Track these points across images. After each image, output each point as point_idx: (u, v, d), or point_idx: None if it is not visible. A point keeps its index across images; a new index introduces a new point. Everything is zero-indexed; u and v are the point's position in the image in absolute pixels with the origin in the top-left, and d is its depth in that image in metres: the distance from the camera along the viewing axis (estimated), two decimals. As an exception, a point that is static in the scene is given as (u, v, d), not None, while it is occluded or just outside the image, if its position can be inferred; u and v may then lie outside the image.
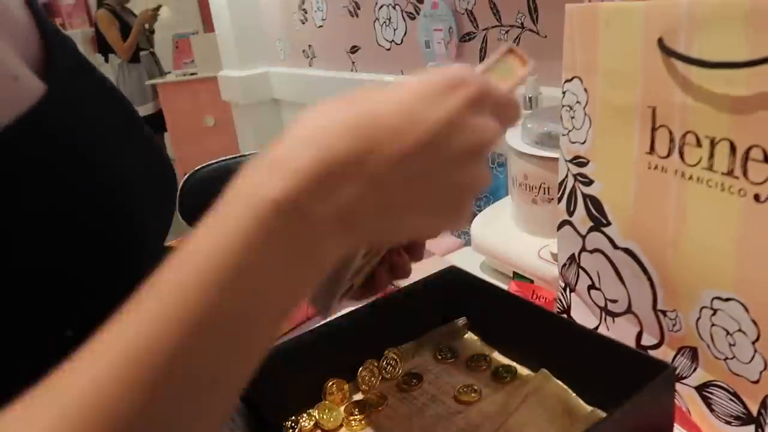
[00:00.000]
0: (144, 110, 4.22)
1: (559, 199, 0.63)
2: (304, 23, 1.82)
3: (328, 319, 0.60)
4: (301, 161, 0.25)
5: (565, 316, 0.65)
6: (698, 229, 0.46)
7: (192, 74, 3.86)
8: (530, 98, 0.97)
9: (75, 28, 5.18)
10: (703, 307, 0.47)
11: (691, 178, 0.45)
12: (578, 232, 0.60)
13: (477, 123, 0.28)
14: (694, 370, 0.50)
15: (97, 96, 0.40)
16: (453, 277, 0.66)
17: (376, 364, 0.61)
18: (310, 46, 1.84)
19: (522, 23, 1.07)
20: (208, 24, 4.29)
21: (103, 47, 4.24)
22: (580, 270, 0.62)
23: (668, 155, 0.47)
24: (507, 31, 1.11)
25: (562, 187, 0.62)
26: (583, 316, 0.63)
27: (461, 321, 0.66)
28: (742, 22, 0.39)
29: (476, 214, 0.90)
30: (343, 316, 0.63)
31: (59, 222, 0.31)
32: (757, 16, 0.38)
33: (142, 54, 4.12)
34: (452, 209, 0.29)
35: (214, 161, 1.61)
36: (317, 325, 0.61)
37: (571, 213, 0.61)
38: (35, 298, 0.30)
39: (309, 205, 0.24)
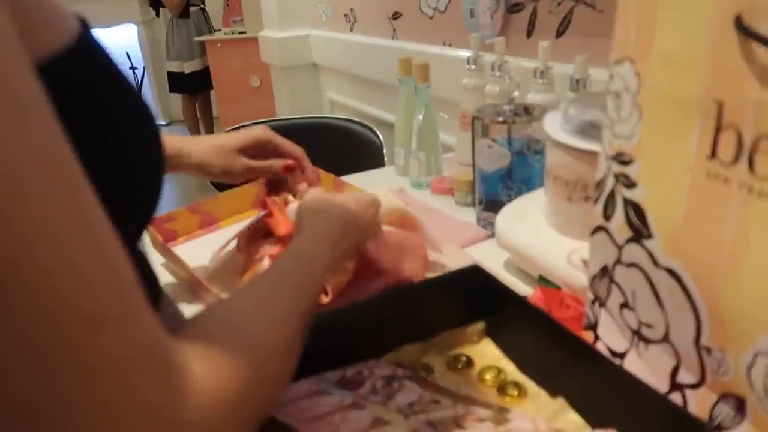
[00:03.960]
0: (191, 66, 4.22)
1: (596, 200, 0.54)
2: (347, -15, 1.74)
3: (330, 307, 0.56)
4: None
5: (592, 334, 0.57)
6: (762, 258, 0.37)
7: (241, 33, 3.82)
8: (577, 80, 0.87)
9: (130, -19, 5.17)
10: (759, 353, 0.38)
11: (760, 194, 0.37)
12: (614, 241, 0.52)
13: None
14: (739, 422, 0.41)
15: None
16: (475, 277, 0.59)
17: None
18: (352, 9, 1.75)
19: (577, -5, 0.96)
20: (259, -18, 4.26)
21: (155, 1, 4.23)
22: (612, 284, 0.53)
23: (734, 163, 0.38)
24: (559, 3, 1.00)
25: (601, 187, 0.53)
26: (612, 335, 0.55)
27: (479, 326, 0.60)
28: None
29: (504, 204, 0.82)
30: (350, 305, 0.57)
31: (123, 139, 0.36)
32: None
33: (192, 10, 4.09)
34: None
35: (248, 123, 1.57)
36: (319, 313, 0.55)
37: (608, 218, 0.52)
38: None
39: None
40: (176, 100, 4.76)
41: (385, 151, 1.46)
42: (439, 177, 1.07)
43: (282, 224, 0.71)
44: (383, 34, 1.62)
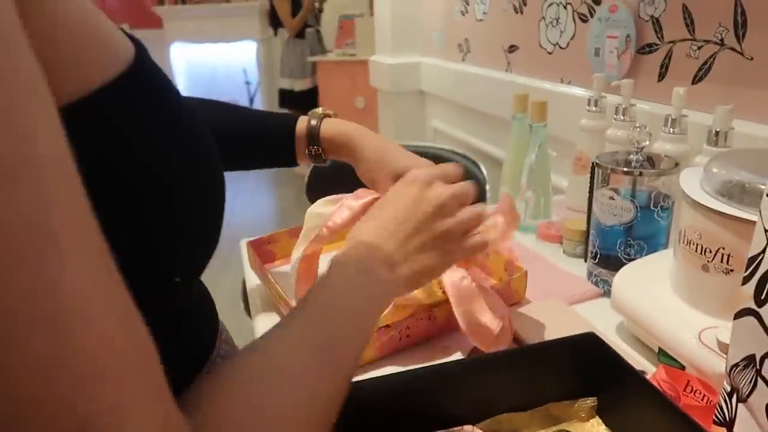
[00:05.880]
0: (301, 84, 4.37)
1: (746, 279, 0.47)
2: (464, 15, 1.71)
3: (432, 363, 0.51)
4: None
5: (724, 431, 0.49)
6: None
7: (351, 55, 3.91)
8: (716, 132, 0.79)
9: (254, 0, 5.45)
10: None
11: None
12: (767, 330, 0.44)
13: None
14: None
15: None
16: (590, 346, 0.53)
17: None
18: (466, 39, 1.73)
19: (722, 39, 0.87)
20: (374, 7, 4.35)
21: (275, 20, 4.43)
22: (759, 379, 0.45)
23: None
24: (700, 47, 0.91)
25: (754, 265, 0.46)
26: (752, 438, 0.47)
27: (589, 402, 0.54)
28: None
29: (624, 263, 0.75)
30: (444, 364, 0.53)
31: (170, 171, 0.33)
32: None
33: (307, 30, 4.24)
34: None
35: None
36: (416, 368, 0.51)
37: (761, 302, 0.45)
38: (150, 248, 0.32)
39: None
40: (284, 115, 4.93)
41: (487, 187, 1.41)
42: (546, 222, 1.00)
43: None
44: (497, 67, 1.58)
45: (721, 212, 0.56)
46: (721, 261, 0.57)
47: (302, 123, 0.71)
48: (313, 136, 0.71)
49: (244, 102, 6.21)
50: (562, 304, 0.75)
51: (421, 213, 0.50)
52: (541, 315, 0.72)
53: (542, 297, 0.78)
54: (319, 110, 0.73)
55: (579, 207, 1.07)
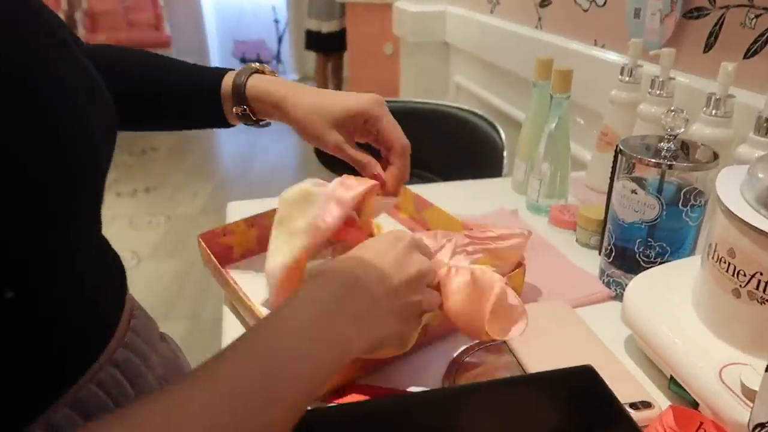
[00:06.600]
0: (329, 26, 4.21)
1: (785, 325, 0.38)
2: (495, -39, 1.56)
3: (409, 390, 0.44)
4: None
5: (737, 500, 0.41)
6: None
7: (383, -3, 3.73)
8: (767, 120, 0.67)
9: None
10: None
11: None
12: (805, 395, 0.35)
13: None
14: None
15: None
16: (585, 381, 0.45)
17: None
18: (496, -11, 1.58)
19: (785, 7, 0.74)
20: (409, -53, 4.10)
21: (304, -43, 4.24)
22: (788, 450, 0.37)
23: None
24: (758, 16, 0.78)
25: (798, 311, 0.37)
26: None
27: None
28: None
29: (642, 266, 0.66)
30: (416, 394, 0.46)
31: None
32: None
33: (337, -32, 4.06)
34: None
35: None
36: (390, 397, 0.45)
37: (801, 359, 0.36)
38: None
39: None
40: (311, 57, 4.80)
41: (505, 153, 1.30)
42: (561, 205, 0.90)
43: (350, 233, 0.61)
44: (526, 22, 1.44)
45: (761, 230, 0.46)
46: (757, 288, 0.47)
47: (229, 79, 0.65)
48: (239, 94, 0.64)
49: (272, 41, 6.06)
50: (566, 307, 0.66)
51: (404, 274, 0.47)
52: (540, 320, 0.63)
53: (545, 295, 0.70)
54: (254, 65, 0.67)
55: (600, 187, 0.97)
